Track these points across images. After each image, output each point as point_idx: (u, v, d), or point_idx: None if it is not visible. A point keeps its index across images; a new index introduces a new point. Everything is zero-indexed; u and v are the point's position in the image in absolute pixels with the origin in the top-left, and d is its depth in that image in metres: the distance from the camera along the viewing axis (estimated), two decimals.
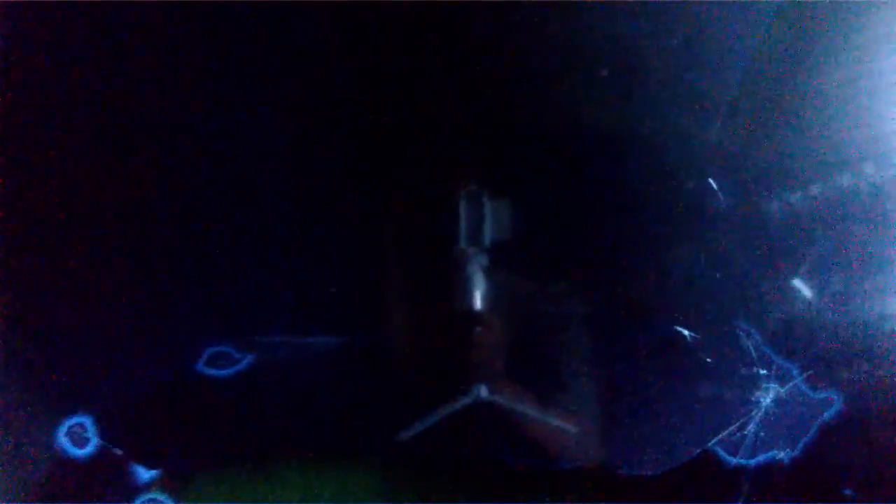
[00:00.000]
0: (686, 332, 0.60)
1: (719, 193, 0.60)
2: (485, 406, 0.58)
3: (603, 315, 0.61)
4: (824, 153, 0.60)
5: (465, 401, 0.58)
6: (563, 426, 0.59)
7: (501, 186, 0.58)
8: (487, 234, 0.58)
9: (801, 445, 0.59)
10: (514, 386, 0.59)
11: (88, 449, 0.60)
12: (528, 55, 0.61)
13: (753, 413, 0.60)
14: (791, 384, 0.60)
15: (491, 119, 0.61)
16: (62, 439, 0.59)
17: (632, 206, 0.61)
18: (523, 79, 0.61)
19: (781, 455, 0.59)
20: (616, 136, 0.61)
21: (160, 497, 0.60)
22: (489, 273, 0.59)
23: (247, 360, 0.60)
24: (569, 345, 0.60)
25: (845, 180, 0.60)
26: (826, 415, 0.60)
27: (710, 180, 0.60)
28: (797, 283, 0.59)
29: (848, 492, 0.60)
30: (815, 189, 0.60)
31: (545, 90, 0.61)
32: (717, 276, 0.60)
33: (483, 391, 0.58)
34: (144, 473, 0.60)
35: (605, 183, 0.61)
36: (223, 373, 0.60)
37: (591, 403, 0.60)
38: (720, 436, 0.60)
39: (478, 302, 0.58)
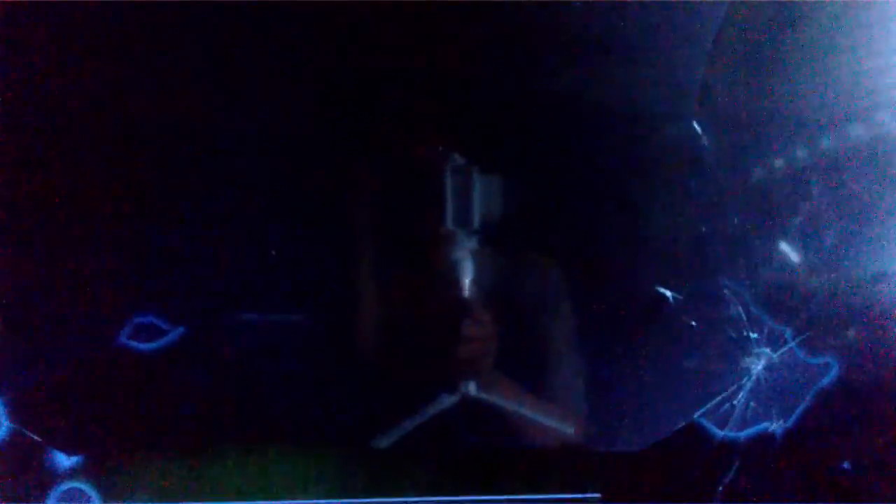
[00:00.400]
0: (668, 294, 0.55)
1: (703, 136, 0.54)
2: (473, 404, 0.53)
3: (586, 280, 0.55)
4: (815, 112, 0.55)
5: (452, 400, 0.53)
6: (558, 426, 0.54)
7: (491, 159, 0.53)
8: (476, 214, 0.53)
9: (794, 416, 0.55)
10: (506, 382, 0.54)
11: None
12: (515, 21, 0.54)
13: (743, 381, 0.55)
14: (784, 349, 0.55)
15: (477, 85, 0.54)
16: None
17: (622, 167, 0.55)
18: (509, 44, 0.54)
19: (773, 427, 0.55)
20: (604, 98, 0.55)
21: (83, 486, 0.53)
22: (478, 258, 0.53)
23: (177, 332, 0.53)
24: (555, 319, 0.55)
25: (839, 139, 0.56)
26: (823, 382, 0.55)
27: (695, 123, 0.54)
28: (784, 246, 0.55)
29: (846, 465, 0.56)
30: (804, 150, 0.55)
31: (534, 56, 0.54)
32: (703, 230, 0.54)
33: (472, 388, 0.53)
34: (64, 460, 0.53)
35: (595, 148, 0.55)
36: (149, 346, 0.53)
37: (573, 377, 0.55)
38: (706, 407, 0.55)
39: (466, 290, 0.53)
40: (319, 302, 0.54)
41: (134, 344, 0.53)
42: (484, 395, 0.53)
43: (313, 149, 0.54)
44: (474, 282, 0.53)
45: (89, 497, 0.54)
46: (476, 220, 0.53)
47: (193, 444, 0.54)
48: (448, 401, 0.52)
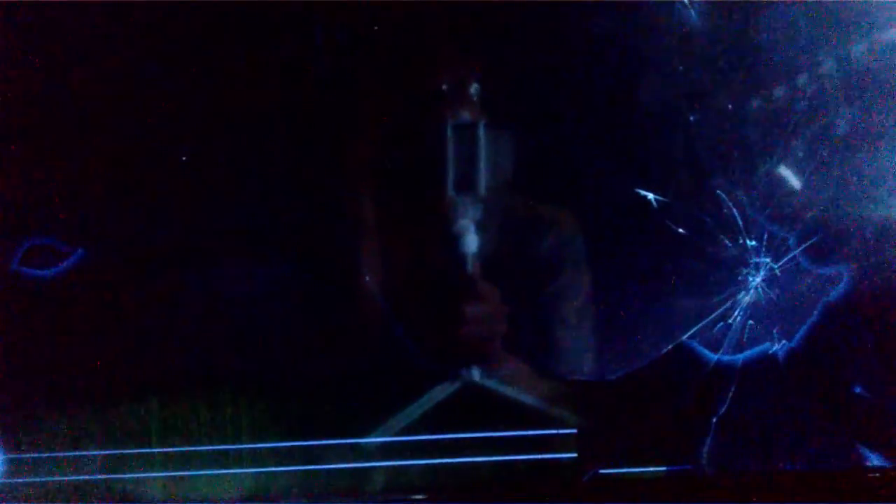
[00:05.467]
0: (651, 196, 0.48)
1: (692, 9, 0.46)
2: (477, 391, 0.49)
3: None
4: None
5: (453, 387, 0.48)
6: (563, 414, 0.50)
7: (501, 116, 0.47)
8: (482, 179, 0.47)
9: (799, 335, 0.50)
10: (514, 365, 0.49)
11: None
12: None
13: (740, 297, 0.49)
14: (787, 258, 0.49)
15: (488, 31, 0.47)
16: None
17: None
18: None
19: (775, 348, 0.50)
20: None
21: None
22: (484, 229, 0.47)
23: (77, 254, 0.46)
24: (569, 287, 0.49)
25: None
26: (831, 295, 0.49)
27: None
28: (784, 170, 0.48)
29: (858, 390, 0.50)
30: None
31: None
32: (692, 119, 0.47)
33: (475, 374, 0.48)
34: None
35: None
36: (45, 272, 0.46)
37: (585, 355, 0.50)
38: (698, 327, 0.49)
39: (469, 267, 0.48)
40: (304, 280, 0.49)
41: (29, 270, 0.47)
42: (488, 382, 0.49)
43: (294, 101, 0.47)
44: (479, 255, 0.48)
45: None
46: (482, 185, 0.47)
47: (105, 387, 0.48)
48: (448, 389, 0.49)
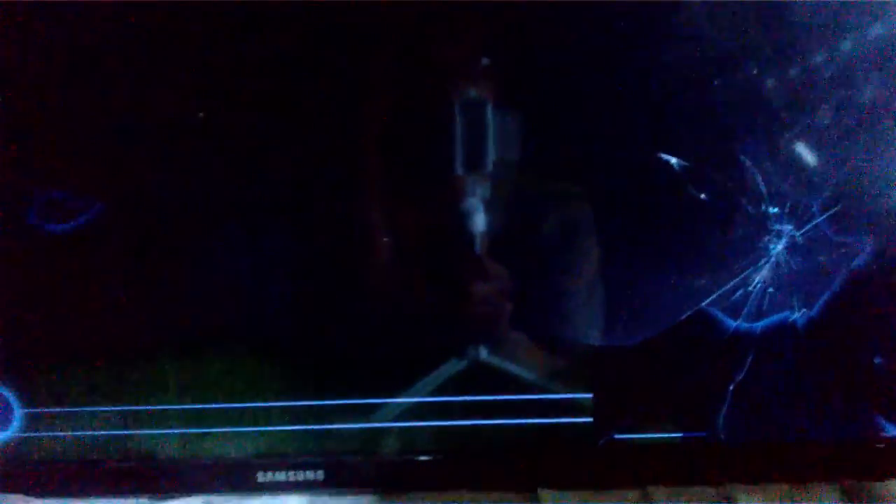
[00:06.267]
0: (673, 160, 0.47)
1: None
2: (486, 368, 0.48)
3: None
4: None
5: (460, 365, 0.48)
6: (571, 395, 0.50)
7: (509, 94, 0.46)
8: (491, 156, 0.46)
9: (820, 303, 0.49)
10: (522, 343, 0.49)
11: None
12: None
13: (761, 264, 0.49)
14: (810, 225, 0.48)
15: (497, 5, 0.46)
16: None
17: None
18: None
19: (795, 316, 0.49)
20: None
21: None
22: (492, 207, 0.47)
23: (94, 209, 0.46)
24: (578, 266, 0.49)
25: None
26: (854, 263, 0.48)
27: None
28: (800, 147, 0.47)
29: (879, 360, 0.49)
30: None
31: None
32: (715, 84, 0.46)
33: (483, 353, 0.48)
34: None
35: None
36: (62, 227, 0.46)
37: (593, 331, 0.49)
38: (717, 293, 0.49)
39: (477, 245, 0.47)
40: (313, 259, 0.48)
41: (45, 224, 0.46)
42: (496, 360, 0.48)
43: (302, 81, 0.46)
44: (487, 234, 0.47)
45: (7, 401, 0.47)
46: (490, 163, 0.46)
47: (122, 343, 0.48)
48: (455, 367, 0.48)
